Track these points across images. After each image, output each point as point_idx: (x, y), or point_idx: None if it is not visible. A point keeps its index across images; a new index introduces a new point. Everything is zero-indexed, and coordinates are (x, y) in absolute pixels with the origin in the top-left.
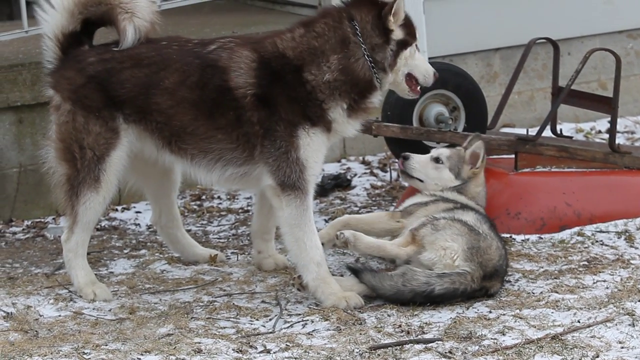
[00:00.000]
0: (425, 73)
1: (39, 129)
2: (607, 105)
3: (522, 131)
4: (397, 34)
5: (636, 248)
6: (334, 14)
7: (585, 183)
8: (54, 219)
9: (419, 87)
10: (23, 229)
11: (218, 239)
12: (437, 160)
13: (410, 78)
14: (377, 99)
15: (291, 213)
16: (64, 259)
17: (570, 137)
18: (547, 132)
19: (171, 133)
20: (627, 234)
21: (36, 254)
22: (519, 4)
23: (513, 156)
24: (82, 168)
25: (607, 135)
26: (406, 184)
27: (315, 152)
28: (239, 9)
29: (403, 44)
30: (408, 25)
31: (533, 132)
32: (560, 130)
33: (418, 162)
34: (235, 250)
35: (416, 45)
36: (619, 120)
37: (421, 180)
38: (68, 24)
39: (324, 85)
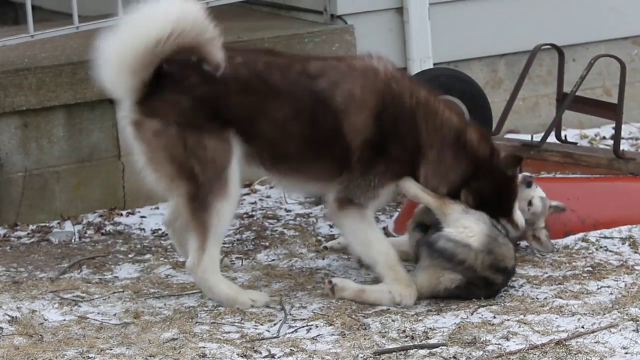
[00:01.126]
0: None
1: (44, 133)
2: (612, 111)
3: (526, 137)
4: None
5: None
6: None
7: (589, 189)
8: (58, 223)
9: None
10: (28, 234)
11: (223, 243)
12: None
13: None
14: None
15: (351, 224)
16: (197, 283)
17: (575, 143)
18: (552, 138)
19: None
20: (631, 239)
21: (41, 258)
22: (524, 10)
23: None
24: (206, 181)
25: (611, 142)
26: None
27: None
28: (244, 14)
29: None
30: None
31: (537, 138)
32: (565, 137)
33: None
34: (239, 255)
35: None
36: (623, 126)
37: None
38: (147, 75)
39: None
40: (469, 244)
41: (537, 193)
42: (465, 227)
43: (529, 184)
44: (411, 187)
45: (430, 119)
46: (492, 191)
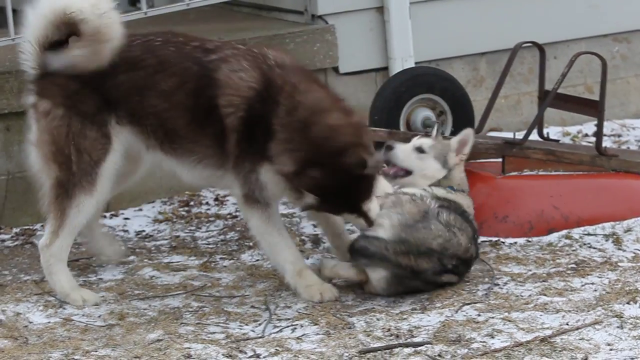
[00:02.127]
0: None
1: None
2: (594, 108)
3: (509, 135)
4: None
5: (624, 250)
6: None
7: (572, 186)
8: (42, 226)
9: None
10: (12, 237)
11: (207, 244)
12: (419, 150)
13: None
14: None
15: (258, 223)
16: (43, 264)
17: (557, 141)
18: (534, 136)
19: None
20: (614, 236)
21: (25, 261)
22: (504, 9)
23: (500, 160)
24: (78, 171)
25: (593, 139)
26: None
27: (274, 184)
28: (225, 15)
29: None
30: None
31: (520, 136)
32: (547, 134)
33: (403, 151)
34: (223, 256)
35: None
36: (605, 123)
37: (409, 173)
38: (52, 35)
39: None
40: (377, 236)
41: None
42: (378, 223)
43: None
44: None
45: (288, 101)
46: (335, 184)
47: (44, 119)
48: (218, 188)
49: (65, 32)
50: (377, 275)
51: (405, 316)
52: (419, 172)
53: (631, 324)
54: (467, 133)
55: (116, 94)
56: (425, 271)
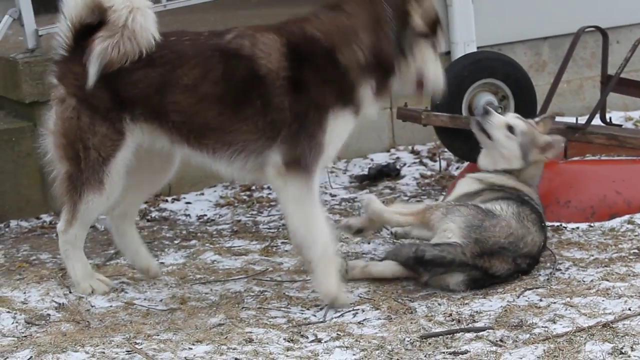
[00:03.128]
0: (436, 77)
1: None
2: None
3: (571, 120)
4: (418, 22)
5: None
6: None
7: (634, 171)
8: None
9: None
10: None
11: (268, 229)
12: (510, 129)
13: (420, 79)
14: (395, 84)
15: (297, 193)
16: (60, 248)
17: (620, 126)
18: (597, 121)
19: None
20: None
21: (87, 245)
22: None
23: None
24: (86, 168)
25: None
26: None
27: (338, 135)
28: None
29: (422, 35)
30: (430, 19)
31: (582, 120)
32: (610, 119)
33: (497, 121)
34: (285, 240)
35: (435, 45)
36: None
37: (490, 139)
38: (86, 17)
39: (356, 65)
40: (450, 242)
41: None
42: (445, 230)
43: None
44: (376, 207)
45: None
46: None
47: (60, 105)
48: (254, 181)
49: (98, 17)
50: (455, 280)
51: (466, 301)
52: (499, 149)
53: None
54: (558, 140)
55: (132, 92)
56: (500, 274)
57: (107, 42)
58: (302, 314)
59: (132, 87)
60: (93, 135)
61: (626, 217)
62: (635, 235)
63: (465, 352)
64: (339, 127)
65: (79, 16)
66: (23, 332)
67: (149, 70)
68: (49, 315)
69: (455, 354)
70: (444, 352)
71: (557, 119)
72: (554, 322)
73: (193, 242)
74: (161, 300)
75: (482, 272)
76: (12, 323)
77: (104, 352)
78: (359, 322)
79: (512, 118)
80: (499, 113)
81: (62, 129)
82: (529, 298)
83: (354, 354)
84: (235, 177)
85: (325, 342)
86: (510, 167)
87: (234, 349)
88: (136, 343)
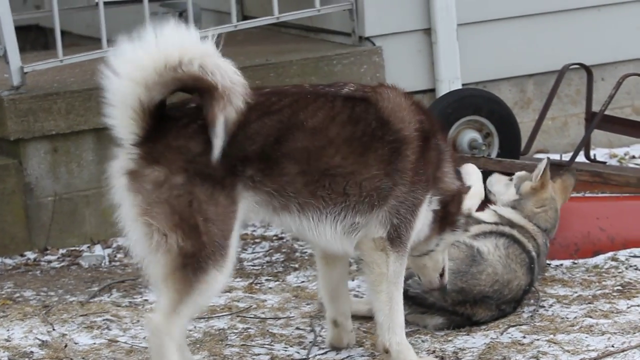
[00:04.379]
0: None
1: (74, 157)
2: None
3: (555, 156)
4: None
5: None
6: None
7: (618, 208)
8: (88, 247)
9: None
10: (58, 258)
11: (252, 266)
12: (511, 178)
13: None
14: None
15: (395, 270)
16: (151, 343)
17: (604, 163)
18: (581, 158)
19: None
20: None
21: (71, 282)
22: (552, 30)
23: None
24: (209, 242)
25: None
26: None
27: (419, 221)
28: (272, 37)
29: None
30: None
31: (567, 157)
32: (594, 156)
33: (496, 178)
34: (269, 277)
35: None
36: None
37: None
38: (154, 96)
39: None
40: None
41: None
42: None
43: None
44: None
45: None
46: None
47: (156, 189)
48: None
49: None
50: (435, 322)
51: (450, 338)
52: (498, 195)
53: None
54: (542, 162)
55: (249, 149)
56: (483, 320)
57: (224, 108)
58: (286, 351)
59: (246, 145)
60: (215, 205)
61: (610, 254)
62: (619, 272)
63: None
64: (423, 213)
65: (148, 99)
66: None
67: (264, 120)
68: (32, 352)
69: None
70: None
71: (541, 155)
72: (538, 359)
73: None
74: (145, 338)
75: (464, 318)
76: None
77: None
78: (343, 359)
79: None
80: (483, 150)
81: (167, 209)
82: (512, 335)
83: None
84: (329, 245)
85: None
86: (508, 201)
87: None
88: None
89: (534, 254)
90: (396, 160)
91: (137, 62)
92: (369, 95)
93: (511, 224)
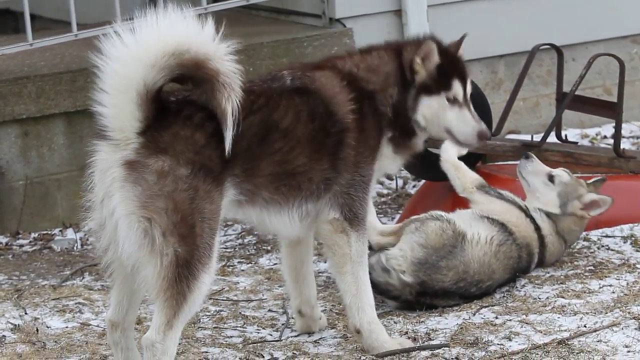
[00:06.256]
0: (462, 132)
1: (45, 141)
2: (612, 110)
3: (527, 137)
4: (421, 76)
5: None
6: (387, 48)
7: None
8: (60, 231)
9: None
10: (30, 242)
11: (225, 248)
12: (550, 177)
13: (451, 135)
14: (415, 141)
15: (358, 250)
16: None
17: (576, 143)
18: (552, 138)
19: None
20: (632, 238)
21: (43, 266)
22: (522, 11)
23: (518, 162)
24: (202, 244)
25: (612, 141)
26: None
27: (374, 182)
28: (243, 20)
29: (424, 89)
30: (442, 73)
31: (538, 138)
32: (565, 136)
33: (535, 168)
34: (241, 260)
35: (457, 100)
36: (624, 125)
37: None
38: (158, 80)
39: (386, 114)
40: (402, 279)
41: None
42: (401, 249)
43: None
44: None
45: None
46: None
47: (159, 180)
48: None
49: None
50: (392, 304)
51: (422, 319)
52: (534, 193)
53: None
54: (605, 200)
55: (240, 144)
56: (443, 307)
57: (229, 98)
58: (258, 333)
59: (235, 144)
60: (211, 203)
61: (582, 234)
62: (591, 252)
63: None
64: (374, 178)
65: (152, 81)
66: None
67: (250, 119)
68: (4, 336)
69: None
70: None
71: (513, 136)
72: (510, 340)
73: None
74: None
75: (423, 306)
76: None
77: None
78: (315, 341)
79: (558, 170)
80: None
81: (168, 204)
82: (484, 315)
83: None
84: (288, 233)
85: None
86: (547, 209)
87: None
88: None
89: (526, 264)
90: (339, 150)
91: (144, 43)
92: (306, 84)
93: (538, 230)
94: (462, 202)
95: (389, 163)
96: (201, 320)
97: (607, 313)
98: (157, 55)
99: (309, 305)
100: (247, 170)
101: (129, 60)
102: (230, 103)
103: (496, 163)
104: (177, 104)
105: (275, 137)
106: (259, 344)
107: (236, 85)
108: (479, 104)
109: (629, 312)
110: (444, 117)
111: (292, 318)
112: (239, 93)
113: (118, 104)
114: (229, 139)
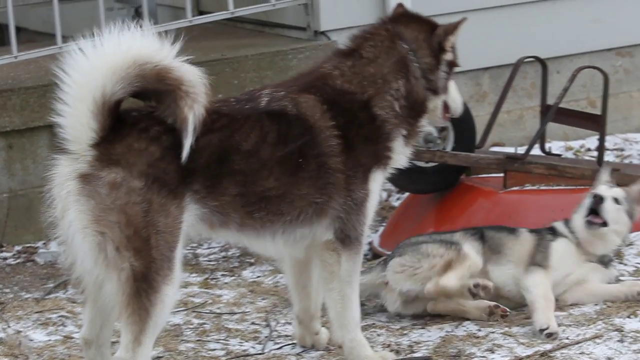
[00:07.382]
0: (458, 101)
1: (29, 153)
2: (596, 122)
3: (511, 150)
4: (449, 55)
5: (625, 264)
6: (382, 34)
7: (574, 200)
8: (44, 243)
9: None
10: (13, 254)
11: (208, 261)
12: (616, 201)
13: (445, 105)
14: (425, 123)
15: (348, 269)
16: None
17: (559, 155)
18: (536, 150)
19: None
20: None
21: (27, 279)
22: (507, 24)
23: (502, 175)
24: (158, 256)
25: (596, 153)
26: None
27: (376, 197)
28: (228, 32)
29: (452, 66)
30: (455, 49)
31: (522, 150)
32: (549, 148)
33: (611, 204)
34: (225, 272)
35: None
36: (608, 137)
37: (605, 225)
38: (117, 91)
39: (393, 116)
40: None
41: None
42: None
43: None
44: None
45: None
46: None
47: (112, 193)
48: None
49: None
50: None
51: (405, 332)
52: (613, 227)
53: (631, 337)
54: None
55: (198, 161)
56: None
57: (191, 107)
58: (241, 346)
59: (194, 160)
60: (166, 216)
61: None
62: None
63: None
64: (378, 188)
65: (110, 93)
66: None
67: (209, 137)
68: None
69: None
70: None
71: (497, 149)
72: (492, 352)
73: None
74: None
75: None
76: None
77: None
78: (298, 354)
79: (602, 190)
80: (438, 144)
81: (120, 218)
82: (467, 328)
83: None
84: (276, 254)
85: None
86: (624, 235)
87: None
88: None
89: None
90: (325, 175)
91: (104, 53)
92: (285, 107)
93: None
94: (446, 216)
95: (401, 158)
96: (184, 333)
97: (589, 325)
98: (116, 64)
99: (308, 314)
100: (208, 187)
101: (88, 68)
102: (192, 111)
103: (479, 175)
104: (136, 117)
105: (234, 158)
106: (241, 357)
107: (201, 96)
108: (463, 116)
109: (611, 324)
110: (451, 89)
111: (275, 331)
112: (204, 102)
113: (75, 113)
114: (187, 147)
